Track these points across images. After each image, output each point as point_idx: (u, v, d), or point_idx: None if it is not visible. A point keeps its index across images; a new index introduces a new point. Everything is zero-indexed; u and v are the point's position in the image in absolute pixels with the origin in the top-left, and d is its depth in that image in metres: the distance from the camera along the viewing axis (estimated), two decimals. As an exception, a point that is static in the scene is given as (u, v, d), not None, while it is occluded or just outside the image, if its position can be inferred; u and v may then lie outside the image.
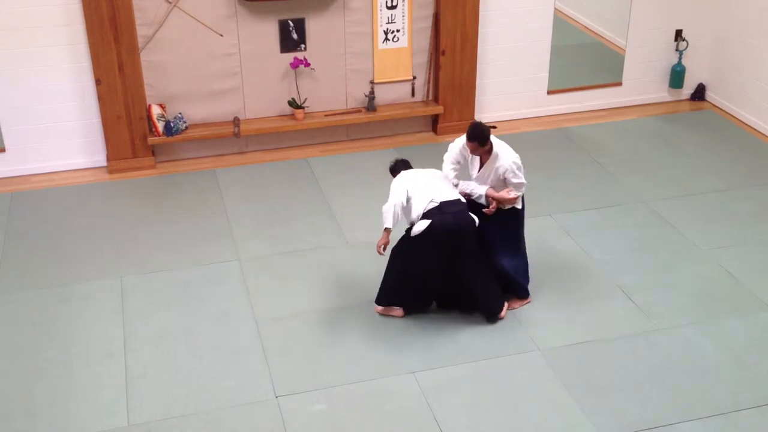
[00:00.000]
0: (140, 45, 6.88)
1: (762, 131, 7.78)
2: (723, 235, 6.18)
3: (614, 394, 4.71)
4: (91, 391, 4.75)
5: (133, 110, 6.98)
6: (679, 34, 8.16)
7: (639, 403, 4.65)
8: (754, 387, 4.75)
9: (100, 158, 7.21)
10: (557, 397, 4.69)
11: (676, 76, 8.28)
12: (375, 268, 5.78)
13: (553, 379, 4.81)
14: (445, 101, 7.67)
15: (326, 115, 7.45)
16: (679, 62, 8.23)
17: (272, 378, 4.83)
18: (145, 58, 6.96)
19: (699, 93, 8.44)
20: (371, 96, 7.50)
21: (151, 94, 7.10)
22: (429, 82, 7.69)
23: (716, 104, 8.35)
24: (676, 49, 8.21)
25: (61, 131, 7.04)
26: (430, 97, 7.75)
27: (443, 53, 7.48)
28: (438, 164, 7.24)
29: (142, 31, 6.86)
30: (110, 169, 7.13)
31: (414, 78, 7.64)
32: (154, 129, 7.09)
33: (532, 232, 5.82)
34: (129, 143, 7.07)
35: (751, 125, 7.91)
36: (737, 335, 5.16)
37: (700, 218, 6.40)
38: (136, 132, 7.05)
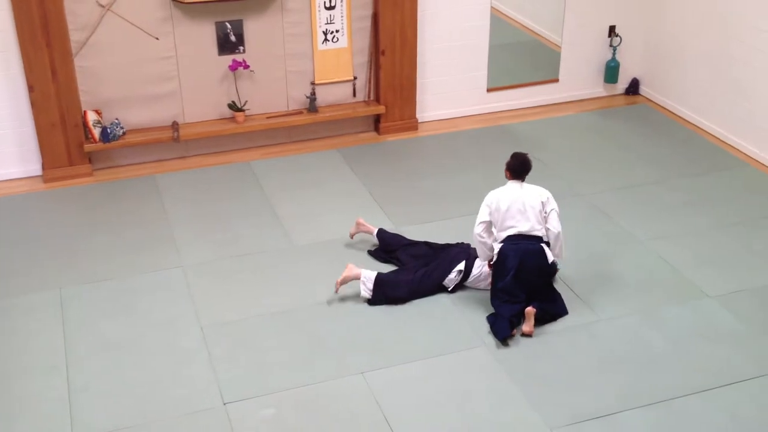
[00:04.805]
0: (73, 50, 6.73)
1: (695, 123, 7.98)
2: (660, 226, 6.32)
3: (561, 385, 4.78)
4: (33, 406, 4.63)
5: (68, 117, 6.82)
6: (612, 30, 8.32)
7: (585, 393, 4.72)
8: (696, 374, 4.87)
9: (35, 167, 7.03)
10: (505, 390, 4.74)
11: (611, 72, 8.44)
12: (320, 269, 5.77)
13: (501, 373, 4.86)
14: (387, 101, 7.68)
15: (267, 118, 7.40)
16: (614, 58, 8.40)
17: (219, 385, 4.78)
18: (79, 63, 6.81)
19: (633, 87, 8.62)
20: (312, 97, 7.47)
21: (86, 100, 6.95)
22: (370, 82, 7.70)
23: (650, 98, 8.54)
24: (610, 45, 8.37)
25: (-7, 140, 6.86)
26: (372, 97, 7.75)
27: (383, 53, 7.49)
28: (380, 162, 7.29)
29: (75, 36, 6.71)
30: (46, 178, 6.96)
31: (355, 78, 7.63)
32: (90, 136, 6.94)
33: (472, 227, 5.85)
34: (65, 151, 6.92)
35: (684, 117, 8.11)
36: (678, 324, 5.28)
37: (638, 209, 6.54)
38: (71, 139, 6.90)
